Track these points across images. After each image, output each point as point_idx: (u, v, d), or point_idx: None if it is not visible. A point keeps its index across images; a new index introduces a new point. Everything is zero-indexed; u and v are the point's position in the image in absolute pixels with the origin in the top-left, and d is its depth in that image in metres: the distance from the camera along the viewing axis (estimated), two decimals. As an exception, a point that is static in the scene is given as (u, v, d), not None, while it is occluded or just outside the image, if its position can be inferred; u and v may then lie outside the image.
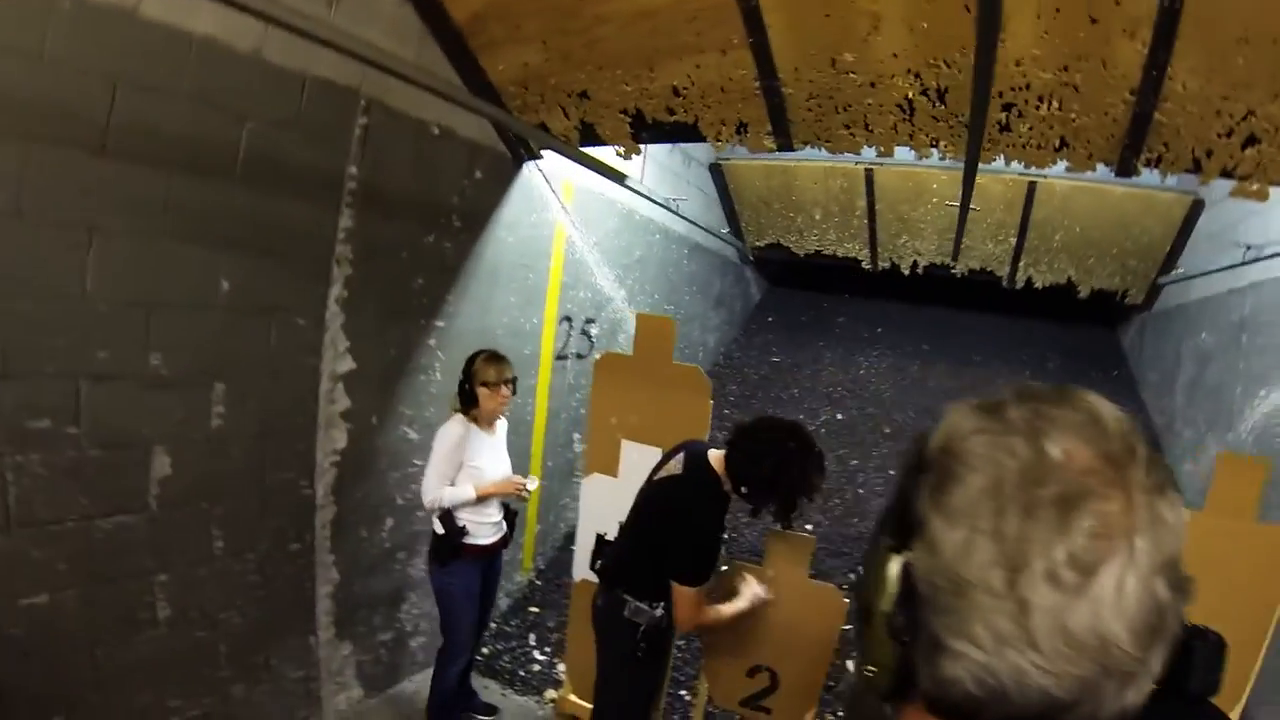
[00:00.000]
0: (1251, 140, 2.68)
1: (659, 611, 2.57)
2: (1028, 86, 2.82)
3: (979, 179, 5.95)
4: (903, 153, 3.44)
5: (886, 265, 7.48)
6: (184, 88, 2.40)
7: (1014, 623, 0.51)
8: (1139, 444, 0.55)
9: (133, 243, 2.36)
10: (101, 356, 2.34)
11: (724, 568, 2.94)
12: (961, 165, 5.55)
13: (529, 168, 4.24)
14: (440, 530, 3.23)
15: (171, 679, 2.71)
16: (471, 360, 3.23)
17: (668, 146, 6.05)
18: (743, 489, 2.47)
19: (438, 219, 3.63)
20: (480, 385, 3.18)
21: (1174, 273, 5.88)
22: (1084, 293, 6.93)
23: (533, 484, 3.42)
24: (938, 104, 3.01)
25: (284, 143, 2.76)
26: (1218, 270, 4.90)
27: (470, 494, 3.18)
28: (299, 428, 3.04)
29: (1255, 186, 2.81)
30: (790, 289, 9.06)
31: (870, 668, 0.62)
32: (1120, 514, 0.51)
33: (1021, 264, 6.96)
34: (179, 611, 2.68)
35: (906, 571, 0.58)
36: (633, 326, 5.78)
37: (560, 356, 4.93)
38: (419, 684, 3.92)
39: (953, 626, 0.53)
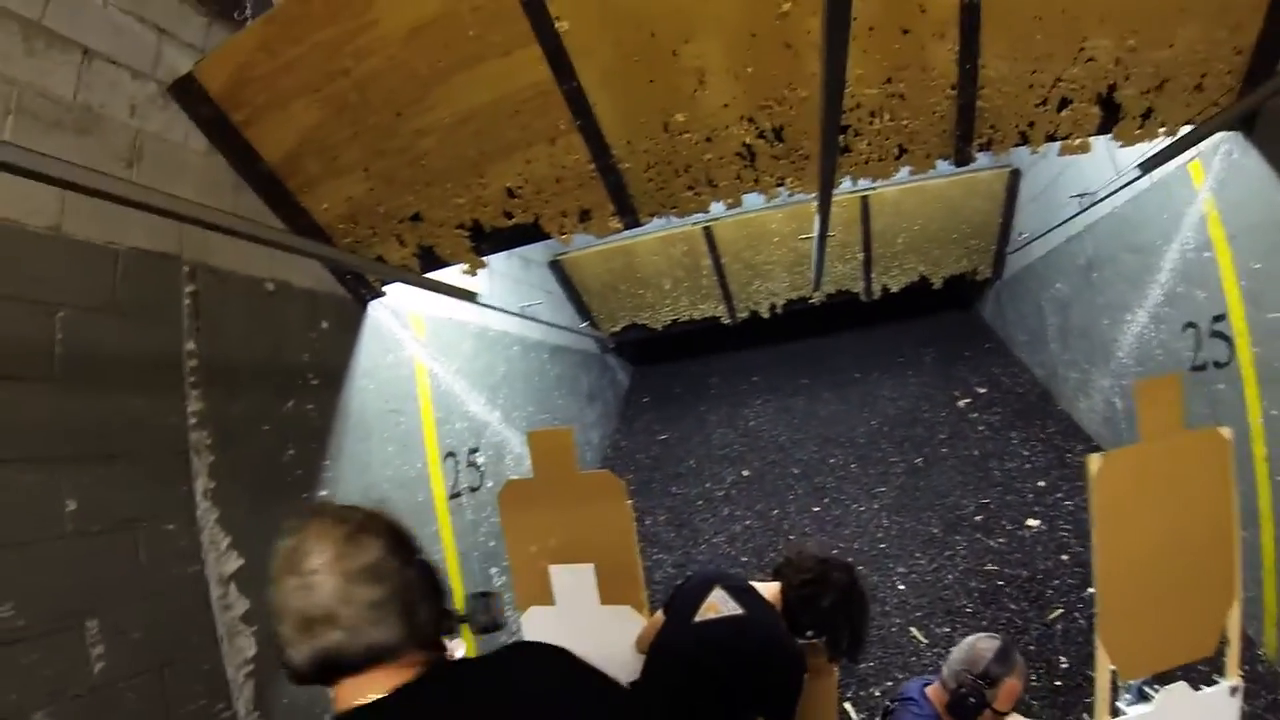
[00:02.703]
0: (1064, 103, 2.94)
1: None
2: (858, 105, 2.95)
3: (810, 207, 6.29)
4: (721, 207, 3.47)
5: (745, 315, 7.67)
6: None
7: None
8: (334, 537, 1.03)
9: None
10: (-68, 626, 1.85)
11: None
12: (796, 200, 5.88)
13: (374, 307, 4.00)
14: None
15: None
16: None
17: (504, 255, 5.95)
18: (809, 632, 2.34)
19: (294, 380, 3.30)
20: None
21: (1019, 238, 6.39)
22: (937, 283, 7.39)
23: (460, 651, 3.09)
24: (776, 144, 3.07)
25: (105, 328, 2.39)
26: (1057, 226, 5.38)
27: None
28: (198, 646, 2.54)
29: (1078, 142, 3.07)
30: (656, 365, 9.10)
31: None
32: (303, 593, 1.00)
33: (874, 274, 7.31)
34: None
35: None
36: (517, 446, 5.64)
37: (454, 495, 4.59)
38: None
39: None
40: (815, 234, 4.19)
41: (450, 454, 4.65)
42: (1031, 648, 4.20)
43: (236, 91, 2.76)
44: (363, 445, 3.74)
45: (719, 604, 2.38)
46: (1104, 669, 2.22)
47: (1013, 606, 4.56)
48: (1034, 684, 3.92)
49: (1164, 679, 2.32)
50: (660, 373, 8.94)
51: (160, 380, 2.61)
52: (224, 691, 2.62)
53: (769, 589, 2.43)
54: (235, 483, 2.83)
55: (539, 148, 3.12)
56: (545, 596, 3.05)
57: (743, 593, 2.40)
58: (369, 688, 1.00)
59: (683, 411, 7.96)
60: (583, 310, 7.75)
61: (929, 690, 2.66)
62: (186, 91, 2.69)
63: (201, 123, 2.79)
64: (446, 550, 4.35)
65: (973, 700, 2.47)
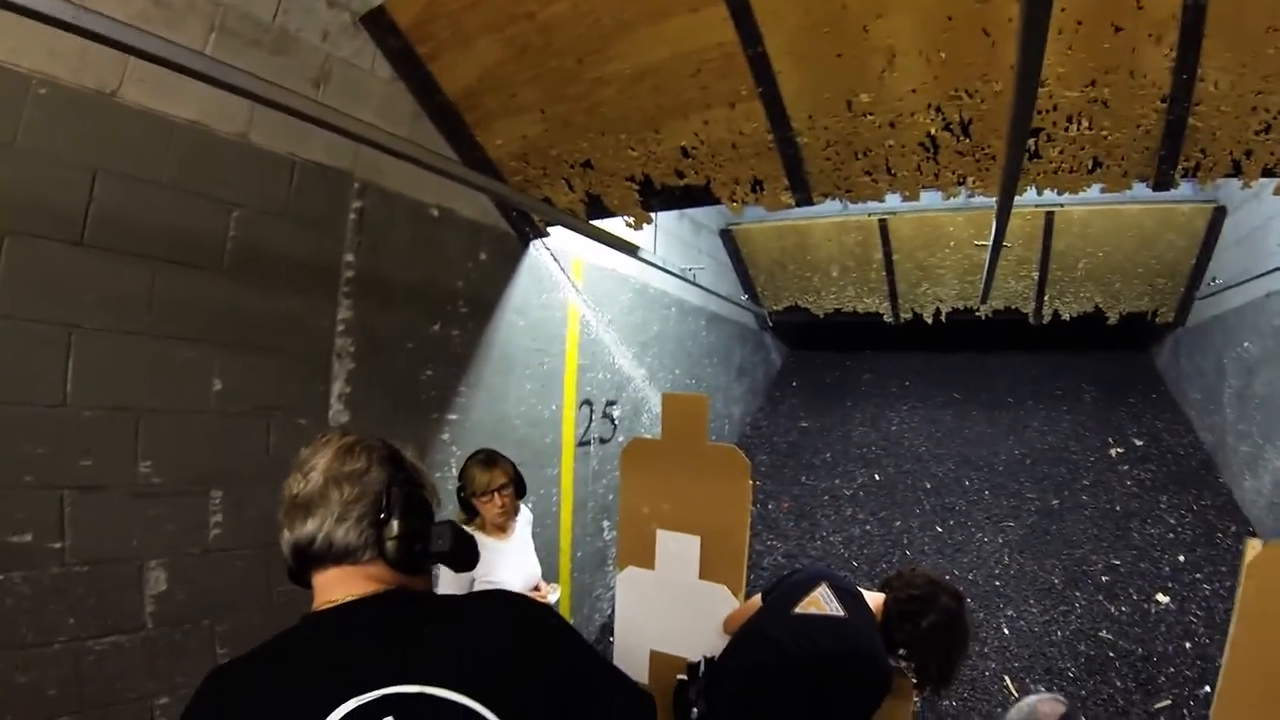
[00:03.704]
0: (1292, 133, 2.49)
1: None
2: (1055, 108, 2.64)
3: (991, 215, 5.81)
4: (897, 199, 3.26)
5: (908, 316, 7.25)
6: (167, 175, 2.26)
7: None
8: (337, 451, 1.15)
9: (115, 342, 2.19)
10: (85, 465, 2.13)
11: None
12: (978, 204, 5.43)
13: (536, 246, 4.08)
14: None
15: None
16: (464, 465, 2.95)
17: (676, 215, 5.91)
18: (900, 650, 2.23)
19: (443, 305, 3.45)
20: (472, 495, 2.88)
21: (1212, 284, 5.61)
22: (1113, 319, 6.67)
23: (554, 594, 3.14)
24: (962, 138, 2.82)
25: (275, 231, 2.61)
26: (1259, 277, 4.67)
27: None
28: (305, 537, 2.77)
29: (1299, 181, 2.62)
30: (811, 350, 8.83)
31: None
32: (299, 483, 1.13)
33: (1047, 297, 6.71)
34: (184, 737, 2.39)
35: None
36: (656, 406, 5.64)
37: (583, 443, 4.67)
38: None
39: None
40: (990, 241, 3.83)
41: (587, 401, 4.72)
42: (1127, 735, 3.80)
43: (424, 25, 2.83)
44: (501, 378, 3.86)
45: (822, 601, 2.32)
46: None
47: (1118, 684, 4.11)
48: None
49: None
50: (815, 359, 8.67)
51: (316, 285, 2.81)
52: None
53: (874, 599, 2.33)
54: (370, 391, 3.02)
55: (718, 110, 3.02)
56: (646, 559, 3.07)
57: (848, 596, 2.33)
58: (333, 589, 1.10)
59: (829, 403, 7.70)
60: (747, 283, 7.58)
61: None
62: (377, 22, 2.81)
63: (388, 52, 2.91)
64: (563, 494, 4.45)
65: None
